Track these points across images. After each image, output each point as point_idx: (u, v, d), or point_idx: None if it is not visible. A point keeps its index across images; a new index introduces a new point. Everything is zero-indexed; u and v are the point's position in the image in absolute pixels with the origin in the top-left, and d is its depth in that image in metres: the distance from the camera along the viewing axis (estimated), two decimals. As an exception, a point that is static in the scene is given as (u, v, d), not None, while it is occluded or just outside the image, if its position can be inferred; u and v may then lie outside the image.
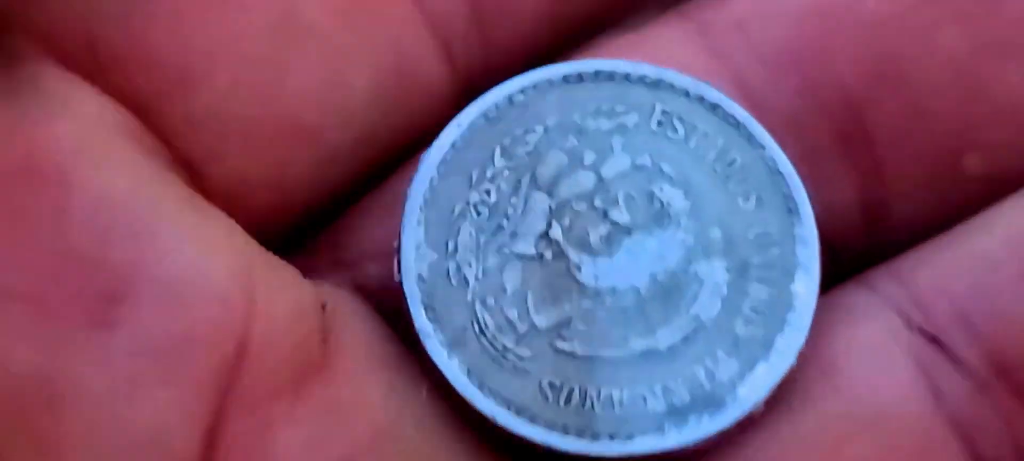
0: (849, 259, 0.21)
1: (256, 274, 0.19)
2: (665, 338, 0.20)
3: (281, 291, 0.19)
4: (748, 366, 0.19)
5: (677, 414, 0.19)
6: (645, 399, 0.19)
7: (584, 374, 0.19)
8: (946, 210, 0.21)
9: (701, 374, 0.19)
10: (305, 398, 0.19)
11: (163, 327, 0.18)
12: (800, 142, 0.21)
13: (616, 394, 0.19)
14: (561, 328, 0.20)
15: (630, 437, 0.19)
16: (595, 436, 0.19)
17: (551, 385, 0.19)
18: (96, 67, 0.19)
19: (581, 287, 0.20)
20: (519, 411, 0.19)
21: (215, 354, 0.18)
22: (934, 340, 0.19)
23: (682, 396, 0.19)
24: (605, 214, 0.20)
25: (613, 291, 0.20)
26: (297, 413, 0.19)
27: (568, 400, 0.19)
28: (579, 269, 0.20)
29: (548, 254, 0.20)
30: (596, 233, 0.20)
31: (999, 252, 0.20)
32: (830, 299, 0.20)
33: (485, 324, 0.20)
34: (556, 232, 0.20)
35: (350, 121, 0.20)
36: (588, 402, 0.19)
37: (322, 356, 0.19)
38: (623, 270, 0.20)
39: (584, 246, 0.20)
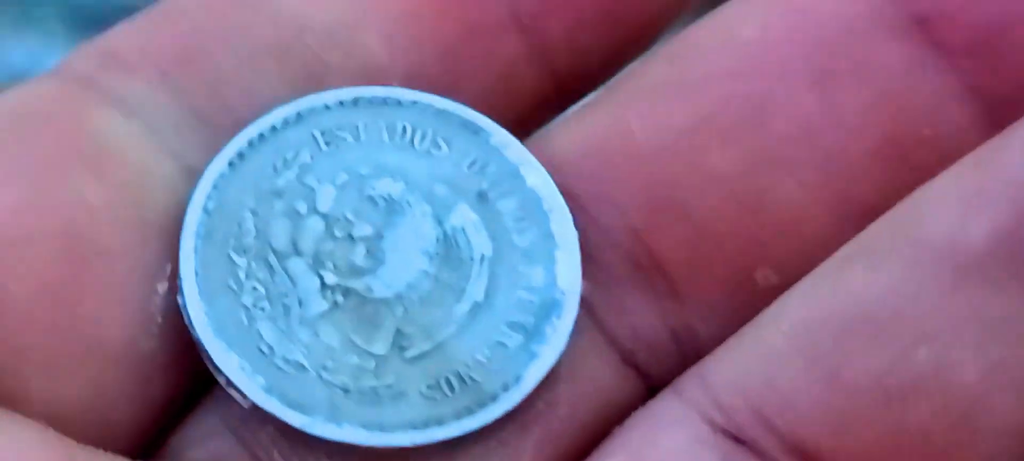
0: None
1: None
2: (476, 291, 0.21)
3: None
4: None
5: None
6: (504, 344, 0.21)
7: (445, 363, 0.20)
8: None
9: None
10: None
11: None
12: (598, 274, 0.21)
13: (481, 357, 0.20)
14: (399, 341, 0.20)
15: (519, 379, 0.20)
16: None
17: (429, 387, 0.20)
18: None
19: (384, 301, 0.20)
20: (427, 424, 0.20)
21: None
22: (737, 439, 0.20)
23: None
24: (350, 237, 0.21)
25: (409, 286, 0.21)
26: None
27: (451, 388, 0.20)
28: (372, 290, 0.20)
29: (339, 299, 0.20)
30: (358, 256, 0.21)
31: (784, 345, 0.20)
32: (641, 410, 0.21)
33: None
34: (330, 279, 0.20)
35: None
36: (468, 380, 0.20)
37: None
38: (403, 266, 0.21)
39: (360, 271, 0.21)
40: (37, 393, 0.19)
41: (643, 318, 0.21)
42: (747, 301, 0.21)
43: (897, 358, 0.19)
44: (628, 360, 0.22)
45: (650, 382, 0.21)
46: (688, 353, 0.21)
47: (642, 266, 0.21)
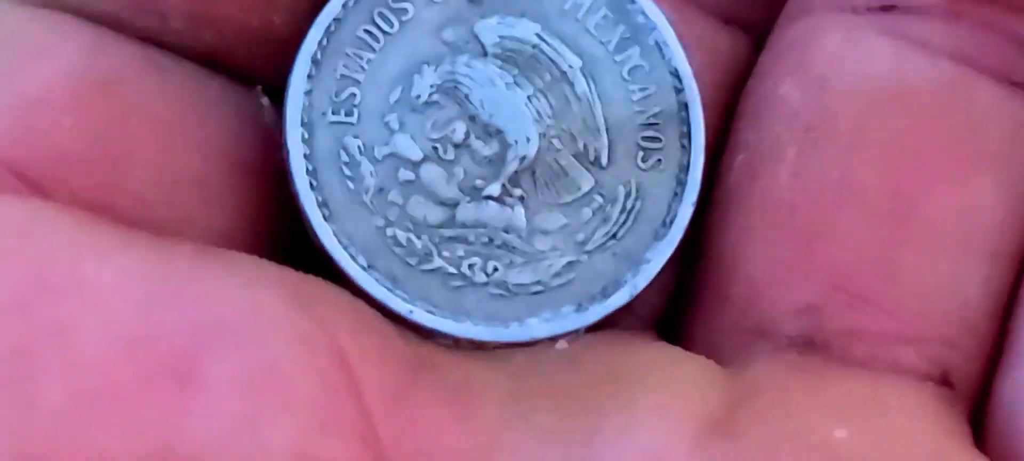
0: None
1: None
2: None
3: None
4: None
5: None
6: None
7: None
8: None
9: None
10: None
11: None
12: None
13: None
14: None
15: None
16: None
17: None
18: None
19: None
20: None
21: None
22: (888, 7, 0.22)
23: None
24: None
25: None
26: None
27: None
28: None
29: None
30: None
31: None
32: (771, 46, 0.23)
33: None
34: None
35: None
36: None
37: None
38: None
39: None
40: None
41: None
42: None
43: None
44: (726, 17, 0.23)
45: (756, 33, 0.23)
46: None
47: None
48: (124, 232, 0.21)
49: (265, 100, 0.23)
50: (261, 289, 0.20)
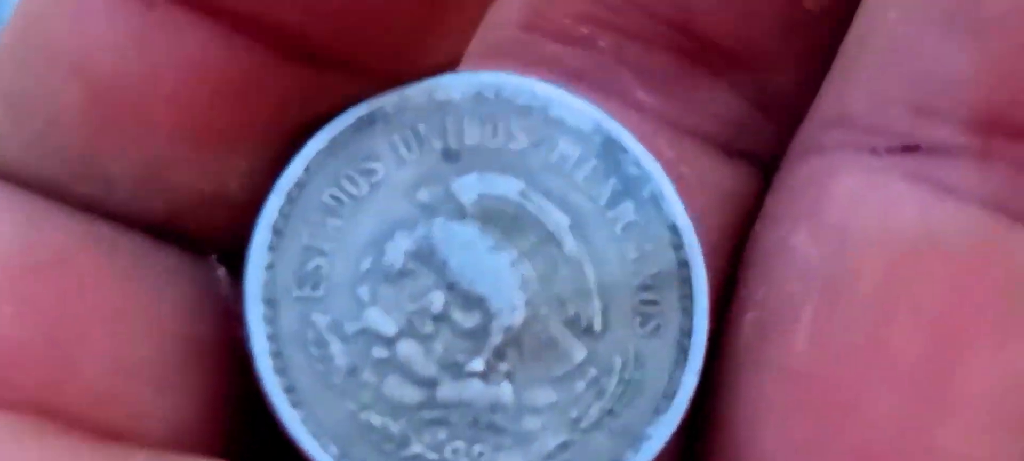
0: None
1: None
2: None
3: None
4: None
5: None
6: None
7: None
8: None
9: None
10: None
11: None
12: (654, 73, 0.21)
13: None
14: None
15: None
16: None
17: None
18: None
19: None
20: None
21: None
22: (911, 148, 0.20)
23: None
24: None
25: None
26: None
27: None
28: None
29: None
30: None
31: (907, 30, 0.20)
32: (780, 185, 0.21)
33: None
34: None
35: None
36: None
37: None
38: None
39: None
40: None
41: (724, 101, 0.21)
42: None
43: None
44: (731, 150, 0.21)
45: (764, 165, 0.21)
46: (783, 119, 0.21)
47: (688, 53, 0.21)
48: (74, 443, 0.19)
49: (222, 271, 0.21)
50: None
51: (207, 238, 0.21)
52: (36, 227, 0.20)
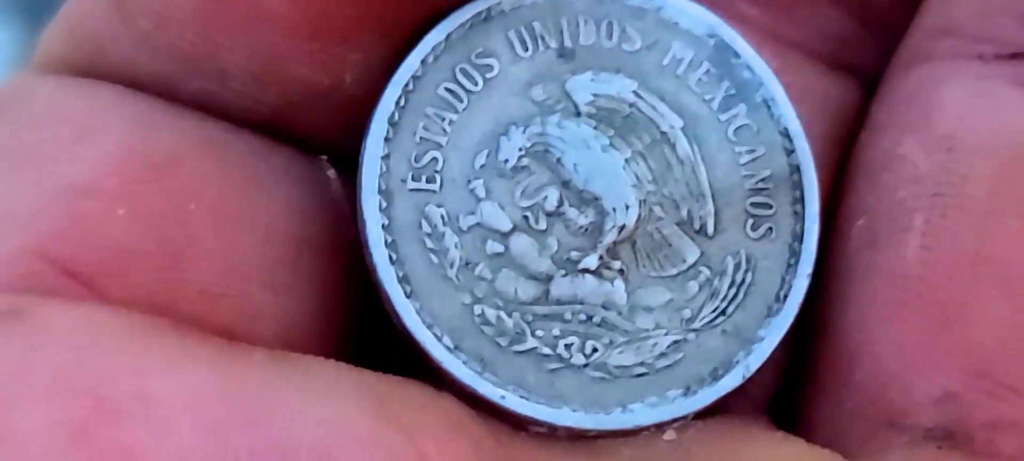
0: None
1: None
2: None
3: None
4: None
5: None
6: None
7: None
8: None
9: None
10: None
11: None
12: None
13: None
14: None
15: None
16: None
17: None
18: None
19: None
20: None
21: None
22: (1018, 55, 0.20)
23: None
24: None
25: None
26: None
27: None
28: None
29: None
30: None
31: None
32: (886, 95, 0.21)
33: None
34: None
35: None
36: None
37: None
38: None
39: None
40: None
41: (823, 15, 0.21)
42: None
43: None
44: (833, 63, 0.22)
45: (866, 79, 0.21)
46: (884, 34, 0.21)
47: None
48: (189, 338, 0.19)
49: (332, 172, 0.21)
50: (342, 402, 0.18)
51: (318, 136, 0.21)
52: (147, 128, 0.20)
